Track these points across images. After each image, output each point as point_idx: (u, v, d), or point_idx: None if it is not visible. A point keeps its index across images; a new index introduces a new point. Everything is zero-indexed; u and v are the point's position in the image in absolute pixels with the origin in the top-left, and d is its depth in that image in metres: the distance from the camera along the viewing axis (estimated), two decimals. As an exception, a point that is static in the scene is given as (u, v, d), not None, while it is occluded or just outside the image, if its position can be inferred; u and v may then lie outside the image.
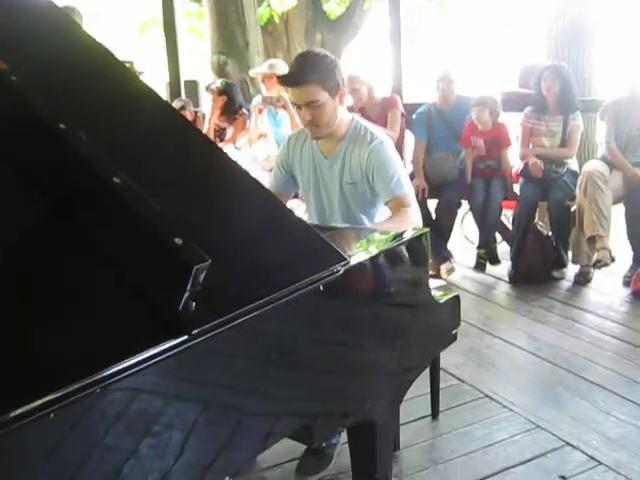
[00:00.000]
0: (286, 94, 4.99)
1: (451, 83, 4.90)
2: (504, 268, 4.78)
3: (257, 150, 5.26)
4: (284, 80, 2.59)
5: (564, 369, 3.35)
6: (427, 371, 2.76)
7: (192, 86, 6.46)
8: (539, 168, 4.57)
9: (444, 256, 4.84)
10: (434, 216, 4.93)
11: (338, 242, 1.74)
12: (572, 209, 4.53)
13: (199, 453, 1.30)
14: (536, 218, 4.74)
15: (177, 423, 1.25)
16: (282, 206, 1.62)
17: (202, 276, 1.27)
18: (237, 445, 1.38)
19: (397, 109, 5.08)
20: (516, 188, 4.82)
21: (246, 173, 1.61)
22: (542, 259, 4.60)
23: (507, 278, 4.67)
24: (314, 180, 2.72)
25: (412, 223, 2.29)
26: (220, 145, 5.56)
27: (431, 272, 4.67)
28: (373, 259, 1.70)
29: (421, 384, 2.88)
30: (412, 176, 4.98)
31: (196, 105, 6.23)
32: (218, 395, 1.34)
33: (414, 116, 5.08)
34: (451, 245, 5.01)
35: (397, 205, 2.52)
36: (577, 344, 3.63)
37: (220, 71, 6.24)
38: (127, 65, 5.35)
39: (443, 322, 2.13)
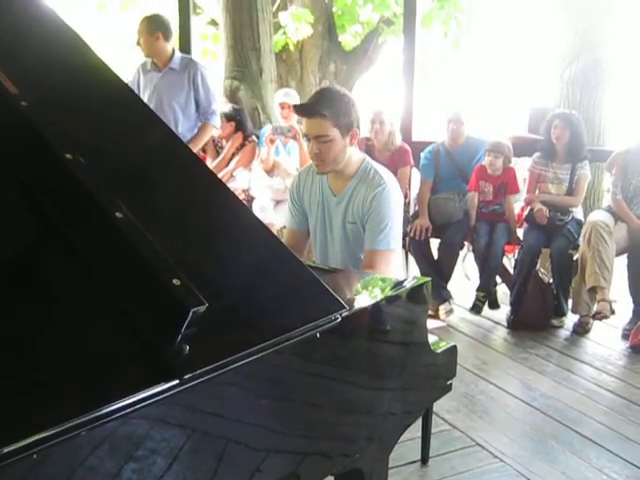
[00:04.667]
0: (297, 125, 5.02)
1: (461, 125, 4.91)
2: (503, 313, 4.76)
3: (274, 181, 5.31)
4: (298, 109, 2.61)
5: (557, 421, 3.32)
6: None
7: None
8: (544, 215, 4.57)
9: (443, 297, 4.82)
10: (436, 256, 4.92)
11: (339, 286, 1.72)
12: (575, 258, 4.52)
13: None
14: (538, 265, 4.72)
15: (162, 466, 1.22)
16: (283, 248, 1.61)
17: (198, 319, 1.25)
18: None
19: (407, 167, 5.04)
20: (520, 233, 4.81)
21: (248, 211, 1.60)
22: (542, 306, 4.58)
23: (505, 323, 4.64)
24: (322, 216, 2.73)
25: None
26: (230, 168, 5.61)
27: (430, 312, 4.78)
28: (372, 307, 1.69)
29: (413, 427, 2.85)
30: (416, 215, 4.98)
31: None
32: (207, 438, 1.32)
33: (422, 154, 5.08)
34: (451, 286, 4.99)
35: (370, 258, 2.53)
36: (572, 396, 3.59)
37: (232, 96, 6.27)
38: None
39: (439, 372, 2.10)
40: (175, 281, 1.26)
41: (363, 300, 1.73)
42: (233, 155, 5.71)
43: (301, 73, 9.12)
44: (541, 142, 4.81)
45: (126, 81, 1.78)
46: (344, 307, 1.51)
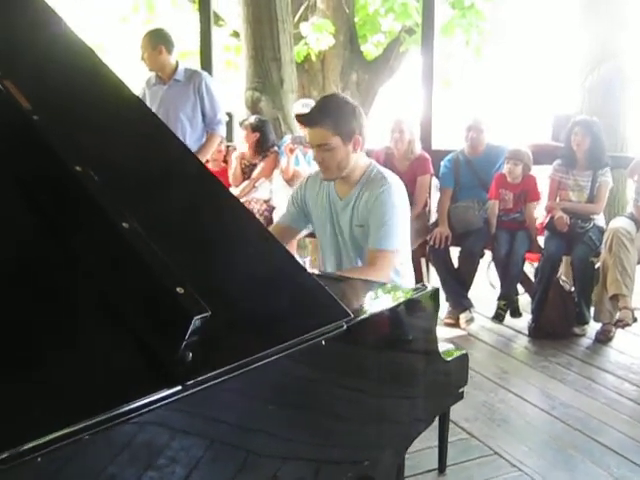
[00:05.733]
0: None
1: (481, 133, 4.90)
2: (524, 321, 4.72)
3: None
4: (300, 119, 2.66)
5: (577, 430, 3.29)
6: (436, 423, 2.73)
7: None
8: (564, 222, 4.54)
9: (464, 305, 4.80)
10: (456, 264, 4.91)
11: (346, 295, 1.74)
12: (596, 266, 4.48)
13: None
14: (559, 272, 4.69)
15: (166, 473, 1.24)
16: (289, 257, 1.63)
17: (201, 326, 1.27)
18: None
19: (427, 175, 5.05)
20: (541, 241, 4.78)
21: (255, 221, 1.62)
22: (563, 314, 4.54)
23: (527, 331, 4.61)
24: (330, 221, 2.77)
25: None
26: (251, 179, 5.64)
27: (450, 321, 4.78)
28: (379, 315, 1.70)
29: (430, 436, 2.85)
30: (436, 223, 4.98)
31: (229, 139, 6.30)
32: (211, 444, 1.34)
33: (442, 163, 5.07)
34: (472, 294, 4.96)
35: (371, 257, 2.55)
36: (593, 405, 3.56)
37: (253, 107, 6.31)
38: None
39: (449, 380, 2.10)
40: (179, 289, 1.28)
41: (370, 308, 1.74)
42: (255, 166, 5.74)
43: (323, 83, 9.14)
44: (561, 149, 4.79)
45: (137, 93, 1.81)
46: (349, 315, 1.53)
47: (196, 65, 5.91)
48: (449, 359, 2.08)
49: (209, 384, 1.26)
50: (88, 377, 1.19)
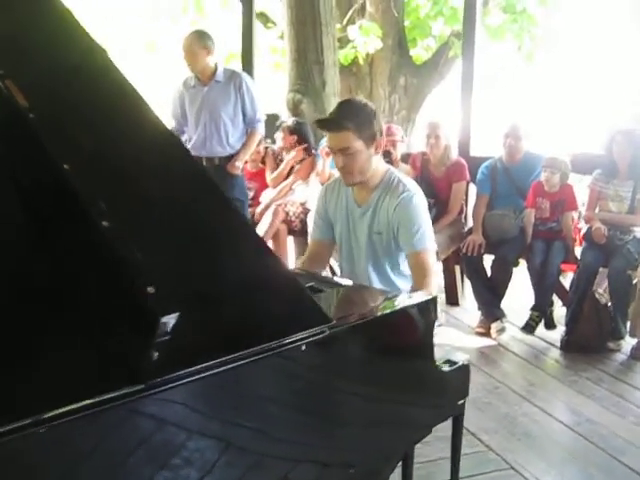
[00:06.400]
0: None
1: (519, 140, 4.80)
2: (558, 333, 4.61)
3: None
4: (321, 124, 2.64)
5: (601, 449, 3.19)
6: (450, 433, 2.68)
7: (272, 120, 6.56)
8: (602, 234, 4.41)
9: (496, 315, 4.71)
10: (489, 273, 4.83)
11: (338, 300, 1.72)
12: (634, 281, 4.34)
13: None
14: (595, 285, 4.56)
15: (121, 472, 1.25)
16: (276, 261, 1.61)
17: (170, 327, 1.27)
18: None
19: (463, 182, 4.99)
20: (578, 252, 4.67)
21: (245, 222, 1.62)
22: (598, 328, 4.42)
23: (559, 344, 4.50)
24: (346, 228, 2.75)
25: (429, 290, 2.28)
26: (289, 182, 5.66)
27: (481, 330, 4.71)
28: (367, 322, 1.68)
29: (445, 446, 2.79)
30: (470, 231, 4.91)
31: (272, 139, 6.32)
32: (176, 445, 1.34)
33: (479, 170, 4.99)
34: (506, 304, 4.87)
35: (415, 261, 2.55)
36: (619, 423, 3.45)
37: (295, 109, 6.33)
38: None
39: (446, 391, 2.06)
40: (150, 289, 1.28)
41: (360, 314, 1.72)
42: (292, 168, 5.75)
43: (371, 87, 9.11)
44: (602, 158, 4.66)
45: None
46: (330, 321, 1.51)
47: (239, 66, 5.97)
48: (447, 369, 2.03)
49: (173, 385, 1.25)
50: (52, 372, 1.20)
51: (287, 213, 5.46)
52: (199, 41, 4.85)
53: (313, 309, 1.52)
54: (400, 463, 2.52)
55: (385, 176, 2.67)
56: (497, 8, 9.05)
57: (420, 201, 2.63)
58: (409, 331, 1.84)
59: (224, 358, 1.34)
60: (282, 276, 1.58)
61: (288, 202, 5.55)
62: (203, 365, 1.32)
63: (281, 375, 1.51)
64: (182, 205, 1.59)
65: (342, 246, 2.80)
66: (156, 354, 1.27)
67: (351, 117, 2.53)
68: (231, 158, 4.89)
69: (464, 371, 2.12)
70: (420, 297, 1.94)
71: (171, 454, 1.32)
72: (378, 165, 2.66)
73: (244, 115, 4.94)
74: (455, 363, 2.15)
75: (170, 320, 1.27)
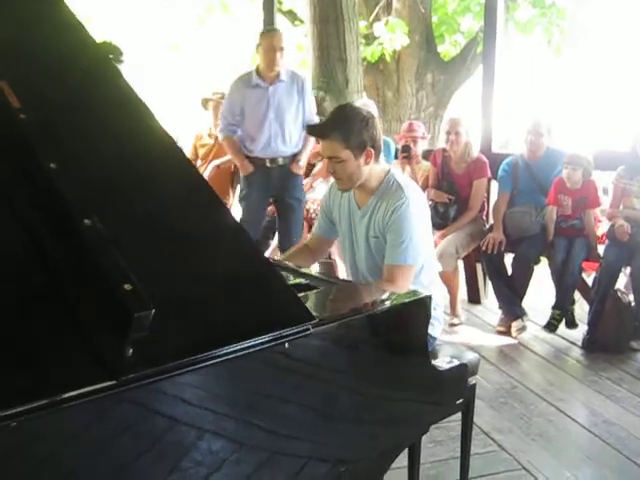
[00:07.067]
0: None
1: (540, 136, 4.73)
2: (580, 332, 4.54)
3: None
4: (311, 131, 2.62)
5: (617, 450, 3.13)
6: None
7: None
8: (625, 231, 4.33)
9: (517, 313, 4.65)
10: (510, 271, 4.77)
11: (328, 298, 1.71)
12: (658, 279, 4.26)
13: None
14: (618, 283, 4.48)
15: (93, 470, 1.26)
16: (258, 256, 1.61)
17: (145, 324, 1.28)
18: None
19: (484, 179, 4.93)
20: (601, 250, 4.59)
21: (233, 220, 1.62)
22: (620, 327, 4.33)
23: (580, 343, 4.43)
24: (348, 227, 2.74)
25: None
26: (309, 180, 5.66)
27: (502, 329, 4.65)
28: (353, 320, 1.66)
29: (456, 446, 2.78)
30: (490, 228, 4.85)
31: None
32: (151, 442, 1.34)
33: (500, 167, 4.93)
34: (527, 302, 4.80)
35: (389, 273, 2.52)
36: (638, 424, 3.38)
37: (318, 107, 6.32)
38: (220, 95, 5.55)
39: (440, 390, 2.03)
40: (126, 286, 1.29)
41: (347, 312, 1.71)
42: (313, 166, 5.75)
43: (398, 83, 9.06)
44: (626, 155, 4.57)
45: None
46: (313, 319, 1.50)
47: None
48: (443, 368, 2.01)
49: (144, 382, 1.26)
50: (25, 366, 1.22)
51: (307, 210, 5.45)
52: (282, 40, 4.77)
53: (297, 306, 1.52)
54: (406, 463, 2.53)
55: (384, 179, 2.64)
56: (526, 2, 8.95)
57: (415, 210, 2.56)
58: (398, 329, 1.82)
59: (194, 357, 1.34)
60: (267, 275, 1.58)
61: (309, 199, 5.54)
62: (177, 362, 1.32)
63: (264, 372, 1.51)
64: (167, 206, 1.60)
65: (345, 245, 2.80)
66: (130, 350, 1.28)
67: (339, 126, 2.50)
68: (293, 158, 4.88)
69: (461, 370, 2.09)
70: (411, 296, 1.93)
71: (143, 453, 1.32)
72: (374, 170, 2.61)
73: (303, 115, 4.89)
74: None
75: (145, 316, 1.27)
